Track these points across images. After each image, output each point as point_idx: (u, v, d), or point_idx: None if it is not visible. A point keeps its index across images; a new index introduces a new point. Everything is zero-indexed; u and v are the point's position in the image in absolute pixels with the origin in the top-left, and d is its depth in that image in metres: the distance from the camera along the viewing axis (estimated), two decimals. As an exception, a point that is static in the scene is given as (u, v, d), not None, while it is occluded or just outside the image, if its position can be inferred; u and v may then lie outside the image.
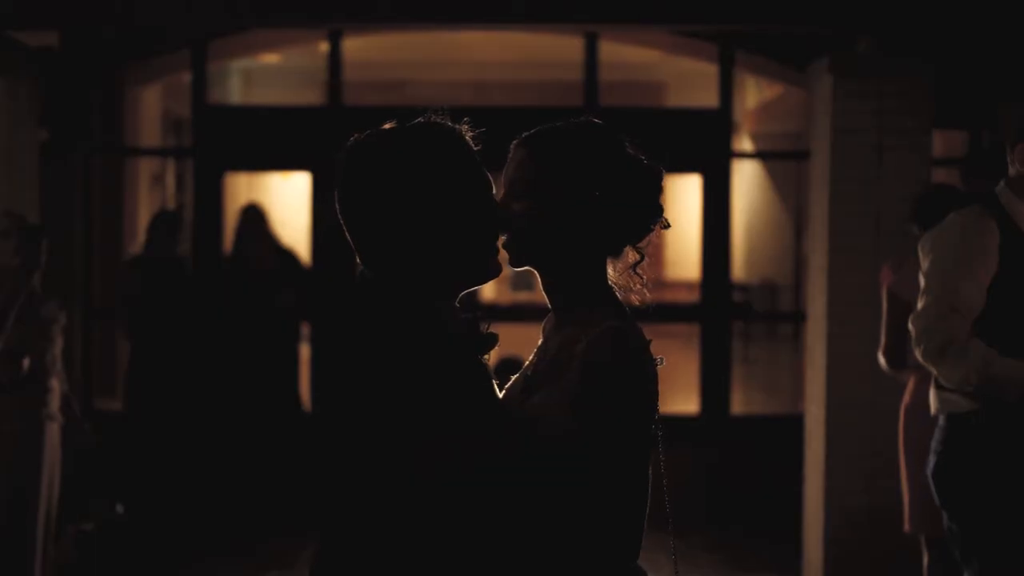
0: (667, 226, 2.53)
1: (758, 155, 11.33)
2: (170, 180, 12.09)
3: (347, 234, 2.40)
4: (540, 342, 2.56)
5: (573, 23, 8.11)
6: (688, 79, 11.99)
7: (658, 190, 2.52)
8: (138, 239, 9.21)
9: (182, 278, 8.24)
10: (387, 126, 2.39)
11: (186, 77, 9.69)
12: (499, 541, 2.29)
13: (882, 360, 5.77)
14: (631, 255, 2.52)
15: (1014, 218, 4.07)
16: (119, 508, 6.83)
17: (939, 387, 4.20)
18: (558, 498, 2.28)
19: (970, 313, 4.03)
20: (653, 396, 2.38)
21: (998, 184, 4.24)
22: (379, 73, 11.59)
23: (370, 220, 2.35)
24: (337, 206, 2.39)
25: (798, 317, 10.57)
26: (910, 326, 4.15)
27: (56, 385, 6.01)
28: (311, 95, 12.19)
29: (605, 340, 2.31)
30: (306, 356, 8.94)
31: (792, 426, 8.01)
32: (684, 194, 13.26)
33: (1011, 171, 4.14)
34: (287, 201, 13.66)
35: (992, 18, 6.93)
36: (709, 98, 9.20)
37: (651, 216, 2.51)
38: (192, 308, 8.20)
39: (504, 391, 2.50)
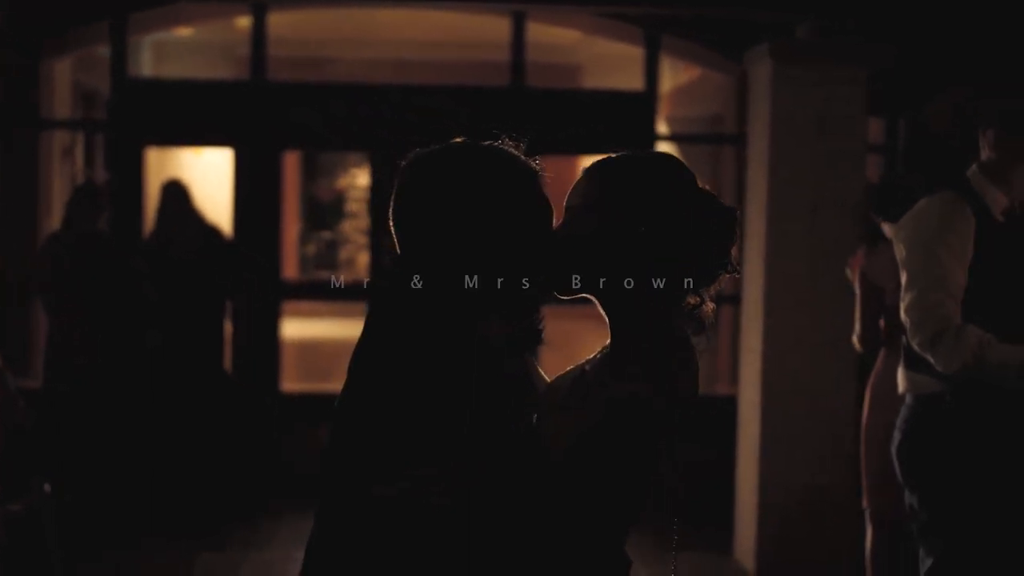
0: (735, 271, 2.42)
1: (683, 138, 11.37)
2: (79, 154, 11.81)
3: (395, 237, 2.40)
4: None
5: (503, 2, 8.08)
6: (604, 62, 12.00)
7: (729, 234, 2.39)
8: (52, 214, 9.00)
9: (105, 253, 8.04)
10: (456, 140, 2.40)
11: (100, 49, 9.48)
12: (491, 533, 2.28)
13: (857, 345, 5.83)
14: (691, 299, 2.41)
15: (987, 202, 4.10)
16: (46, 488, 6.67)
17: (908, 367, 4.23)
18: (549, 507, 2.26)
19: (960, 297, 4.02)
20: (659, 452, 2.32)
21: (939, 172, 4.31)
22: (298, 50, 11.43)
23: (425, 231, 2.35)
24: (391, 211, 2.40)
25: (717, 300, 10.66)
26: (903, 317, 4.10)
27: (-11, 362, 5.87)
28: (224, 70, 12.00)
29: (621, 410, 2.24)
30: (230, 333, 8.82)
31: (712, 406, 8.05)
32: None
33: (983, 156, 4.17)
34: (200, 177, 13.41)
35: (934, 4, 7.06)
36: (626, 81, 9.21)
37: (718, 259, 2.39)
38: (114, 285, 8.02)
39: (557, 377, 2.48)
